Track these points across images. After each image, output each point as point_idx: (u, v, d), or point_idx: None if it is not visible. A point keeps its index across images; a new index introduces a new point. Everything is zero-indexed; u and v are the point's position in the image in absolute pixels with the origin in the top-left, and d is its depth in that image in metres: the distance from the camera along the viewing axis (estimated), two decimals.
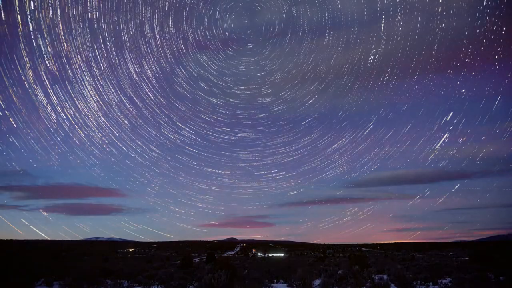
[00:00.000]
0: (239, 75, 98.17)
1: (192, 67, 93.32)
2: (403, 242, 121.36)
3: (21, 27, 70.63)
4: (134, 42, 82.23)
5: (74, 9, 72.11)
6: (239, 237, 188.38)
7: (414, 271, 21.35)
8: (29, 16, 70.20)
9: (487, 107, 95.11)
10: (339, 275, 16.70)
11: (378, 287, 11.48)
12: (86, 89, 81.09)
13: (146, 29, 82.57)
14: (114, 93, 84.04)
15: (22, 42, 71.11)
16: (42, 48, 73.86)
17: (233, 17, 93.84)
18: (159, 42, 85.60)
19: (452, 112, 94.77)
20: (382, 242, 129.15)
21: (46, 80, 76.85)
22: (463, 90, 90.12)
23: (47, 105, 78.56)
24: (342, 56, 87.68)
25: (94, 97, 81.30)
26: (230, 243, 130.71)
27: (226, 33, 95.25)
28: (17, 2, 68.30)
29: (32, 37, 72.46)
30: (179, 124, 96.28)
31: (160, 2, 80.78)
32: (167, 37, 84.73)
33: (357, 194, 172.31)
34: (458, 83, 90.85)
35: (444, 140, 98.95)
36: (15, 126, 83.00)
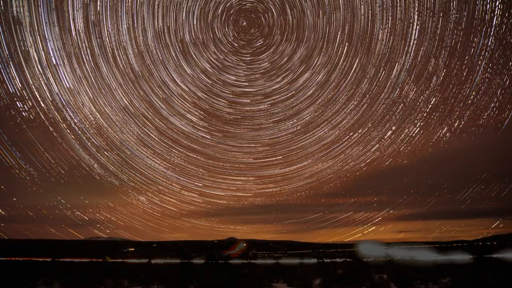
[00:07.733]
0: (268, 72, 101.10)
1: (225, 91, 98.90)
2: None
3: (74, 140, 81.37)
4: (168, 101, 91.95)
5: (108, 106, 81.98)
6: None
7: None
8: (77, 129, 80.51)
9: None
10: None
11: None
12: (153, 161, 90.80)
13: (170, 85, 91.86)
14: (177, 152, 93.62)
15: (85, 152, 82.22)
16: (101, 148, 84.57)
17: (232, 27, 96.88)
18: (186, 89, 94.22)
19: None
20: None
21: (117, 170, 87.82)
22: None
23: (129, 194, 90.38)
24: None
25: (162, 165, 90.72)
26: None
27: (235, 43, 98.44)
28: (62, 124, 78.39)
29: (89, 145, 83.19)
30: (245, 145, 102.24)
31: (168, 56, 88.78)
32: (190, 80, 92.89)
33: None
34: None
35: None
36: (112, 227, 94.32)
